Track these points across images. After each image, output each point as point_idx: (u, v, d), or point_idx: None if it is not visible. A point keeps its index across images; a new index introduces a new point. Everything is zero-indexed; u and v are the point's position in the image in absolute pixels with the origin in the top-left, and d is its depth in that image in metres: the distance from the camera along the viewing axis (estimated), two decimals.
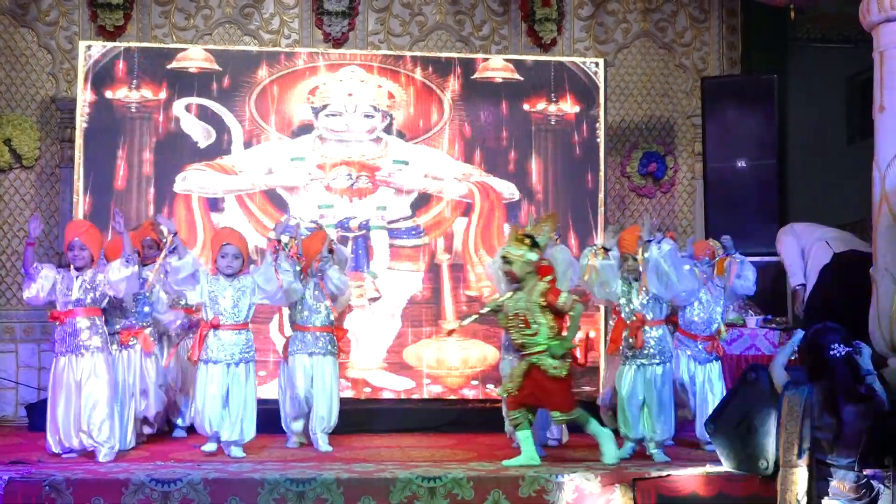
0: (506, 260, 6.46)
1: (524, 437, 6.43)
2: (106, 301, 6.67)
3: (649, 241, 6.67)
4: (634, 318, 6.76)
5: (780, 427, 5.51)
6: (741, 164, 8.92)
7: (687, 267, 6.82)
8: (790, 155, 9.37)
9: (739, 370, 7.07)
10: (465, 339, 8.62)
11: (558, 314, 6.41)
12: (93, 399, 6.51)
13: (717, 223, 8.82)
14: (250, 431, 6.74)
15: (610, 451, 6.38)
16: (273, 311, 7.94)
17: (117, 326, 6.92)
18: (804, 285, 7.90)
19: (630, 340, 6.77)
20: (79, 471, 5.86)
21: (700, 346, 7.18)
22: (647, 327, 6.75)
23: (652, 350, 6.74)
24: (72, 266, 6.64)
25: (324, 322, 7.06)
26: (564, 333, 6.44)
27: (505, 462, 6.34)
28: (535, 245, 6.42)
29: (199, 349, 6.71)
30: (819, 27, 9.84)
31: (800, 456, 5.35)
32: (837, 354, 5.37)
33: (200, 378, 6.73)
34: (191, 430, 7.28)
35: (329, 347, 7.06)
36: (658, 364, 6.75)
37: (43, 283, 6.57)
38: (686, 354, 7.20)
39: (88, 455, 6.56)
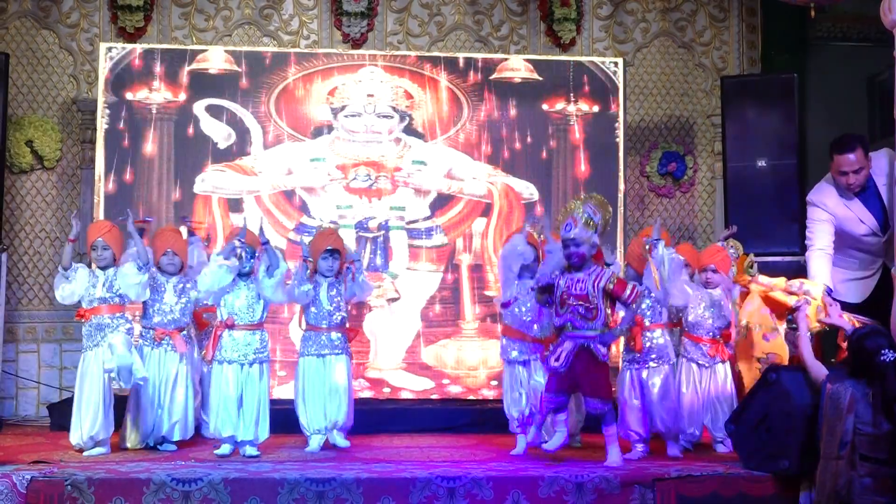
0: (576, 243, 6.41)
1: (562, 419, 6.46)
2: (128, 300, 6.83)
3: (657, 241, 6.67)
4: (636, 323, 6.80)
5: (821, 419, 5.53)
6: (761, 163, 8.87)
7: (684, 277, 6.84)
8: (810, 154, 9.32)
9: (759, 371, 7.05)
10: (484, 339, 8.63)
11: (614, 303, 6.43)
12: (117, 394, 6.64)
13: (737, 223, 8.72)
14: (265, 431, 6.80)
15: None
16: (293, 310, 7.96)
17: (154, 321, 7.00)
18: None
19: (630, 344, 6.84)
20: (100, 470, 5.91)
21: (705, 349, 7.15)
22: (646, 331, 6.79)
23: (653, 353, 6.81)
24: (95, 265, 6.80)
25: (336, 322, 7.07)
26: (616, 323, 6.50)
27: (547, 446, 6.44)
28: (596, 229, 6.43)
29: (213, 349, 6.76)
30: (839, 26, 9.80)
31: (842, 449, 5.36)
32: (888, 360, 5.39)
33: (214, 379, 6.79)
34: None
35: (341, 347, 7.06)
36: (656, 366, 6.80)
37: (76, 285, 6.80)
38: (689, 360, 7.15)
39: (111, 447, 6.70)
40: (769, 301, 7.09)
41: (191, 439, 7.13)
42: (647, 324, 6.84)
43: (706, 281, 7.10)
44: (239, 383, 6.73)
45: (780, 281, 7.01)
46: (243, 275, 6.83)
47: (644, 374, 6.84)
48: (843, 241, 7.29)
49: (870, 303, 7.28)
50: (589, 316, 6.37)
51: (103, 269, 6.82)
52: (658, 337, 6.86)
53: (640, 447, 6.82)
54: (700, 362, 7.13)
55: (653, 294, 6.72)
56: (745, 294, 7.25)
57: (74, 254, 7.04)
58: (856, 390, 5.43)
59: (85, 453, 6.66)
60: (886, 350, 5.42)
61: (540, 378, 6.82)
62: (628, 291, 6.35)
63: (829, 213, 7.29)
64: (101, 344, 6.72)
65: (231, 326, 6.75)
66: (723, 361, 7.16)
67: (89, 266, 6.99)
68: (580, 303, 6.38)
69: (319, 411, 6.98)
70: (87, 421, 6.68)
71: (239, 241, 6.84)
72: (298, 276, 6.96)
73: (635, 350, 6.80)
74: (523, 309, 6.95)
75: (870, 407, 5.41)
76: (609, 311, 6.41)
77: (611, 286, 6.34)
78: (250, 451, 6.70)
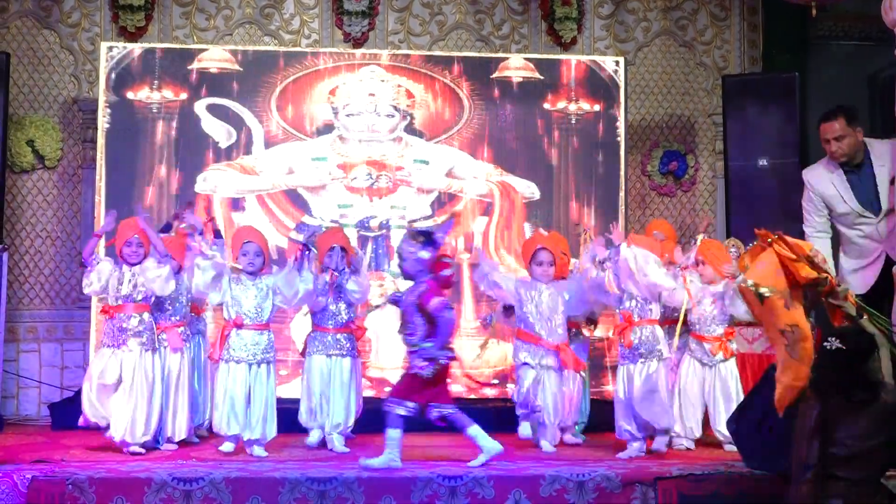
0: (400, 256, 6.46)
1: (394, 438, 6.32)
2: (153, 298, 6.85)
3: (618, 246, 6.78)
4: (625, 319, 6.87)
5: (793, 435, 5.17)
6: (762, 162, 8.90)
7: (657, 263, 6.81)
8: (812, 153, 9.30)
9: (762, 369, 7.04)
10: (485, 338, 8.62)
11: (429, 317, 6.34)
12: (134, 394, 6.64)
13: (738, 222, 8.79)
14: (272, 431, 6.79)
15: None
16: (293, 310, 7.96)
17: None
18: None
19: (620, 339, 6.89)
20: (101, 469, 5.90)
21: (707, 348, 7.18)
22: (636, 327, 6.80)
23: (642, 349, 6.80)
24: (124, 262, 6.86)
25: (342, 322, 7.07)
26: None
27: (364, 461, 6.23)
28: (428, 243, 6.39)
29: (220, 348, 6.76)
30: (840, 25, 9.78)
31: (805, 472, 4.96)
32: (829, 347, 5.02)
33: (222, 377, 6.78)
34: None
35: (348, 348, 7.06)
36: (644, 362, 6.79)
37: (100, 275, 6.80)
38: (694, 358, 7.19)
39: (117, 449, 6.69)
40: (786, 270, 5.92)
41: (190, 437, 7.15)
42: (636, 319, 6.85)
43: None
44: (247, 383, 6.73)
45: (807, 246, 5.88)
46: (251, 273, 6.84)
47: (632, 368, 6.84)
48: (840, 225, 7.37)
49: (873, 294, 7.27)
50: (406, 331, 6.41)
51: (132, 266, 6.83)
52: (647, 333, 6.84)
53: (635, 445, 6.81)
54: (703, 361, 7.15)
55: (630, 290, 6.80)
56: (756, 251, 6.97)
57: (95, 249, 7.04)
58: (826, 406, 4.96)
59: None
60: (832, 339, 5.05)
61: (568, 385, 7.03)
62: (431, 304, 6.26)
63: (813, 191, 7.41)
64: (121, 345, 6.74)
65: (239, 326, 6.75)
66: (725, 359, 7.17)
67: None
68: (403, 317, 6.45)
69: (321, 409, 6.99)
70: (92, 405, 6.72)
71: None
72: (320, 283, 6.97)
73: (624, 346, 6.85)
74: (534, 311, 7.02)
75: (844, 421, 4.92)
76: (425, 326, 6.28)
77: (416, 300, 6.32)
78: (258, 451, 6.69)
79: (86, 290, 6.95)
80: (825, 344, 5.05)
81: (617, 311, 7.04)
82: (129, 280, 6.80)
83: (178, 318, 7.04)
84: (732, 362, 7.24)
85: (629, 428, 6.83)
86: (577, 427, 7.53)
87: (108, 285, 6.82)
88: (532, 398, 7.02)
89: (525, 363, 7.07)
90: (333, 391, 6.97)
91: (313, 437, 7.06)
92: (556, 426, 7.11)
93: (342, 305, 7.05)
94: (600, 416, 7.61)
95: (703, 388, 7.18)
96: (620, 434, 6.89)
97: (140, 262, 6.82)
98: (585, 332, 7.76)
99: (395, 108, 8.80)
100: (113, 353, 6.75)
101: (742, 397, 7.10)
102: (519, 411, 7.13)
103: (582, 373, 7.38)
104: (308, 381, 7.06)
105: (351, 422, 7.05)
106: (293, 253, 7.03)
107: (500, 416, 7.83)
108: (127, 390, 6.68)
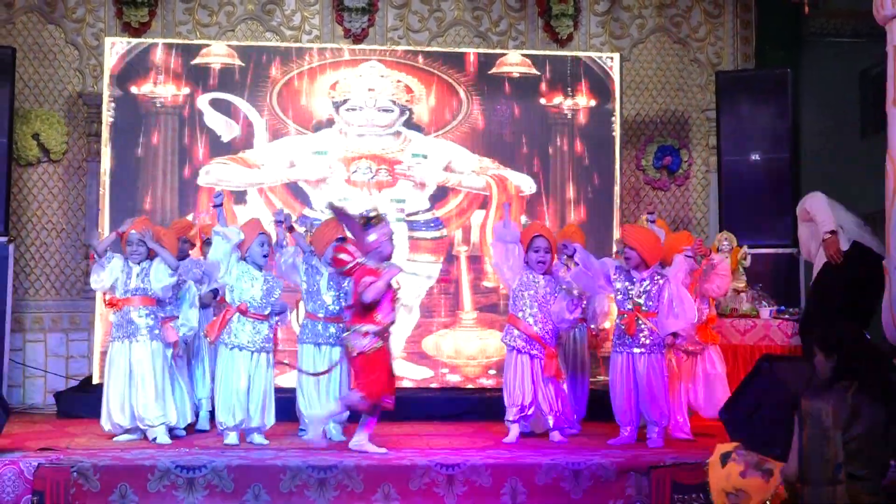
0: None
1: None
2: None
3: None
4: (633, 309, 6.89)
5: (799, 441, 4.78)
6: (755, 157, 8.99)
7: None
8: (804, 148, 9.42)
9: (753, 360, 7.12)
10: (482, 329, 8.74)
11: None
12: (145, 383, 6.74)
13: (731, 216, 8.88)
14: (271, 419, 6.87)
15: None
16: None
17: None
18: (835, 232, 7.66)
19: (623, 328, 6.91)
20: (106, 457, 5.97)
21: (693, 336, 7.19)
22: (641, 318, 6.87)
23: (645, 340, 6.87)
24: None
25: (334, 312, 7.11)
26: None
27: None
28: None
29: (219, 329, 6.82)
30: (832, 22, 9.84)
31: (837, 471, 4.63)
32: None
33: (224, 365, 6.81)
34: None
35: (337, 338, 7.05)
36: (649, 353, 6.86)
37: (110, 273, 6.87)
38: (676, 348, 7.18)
39: (143, 437, 6.79)
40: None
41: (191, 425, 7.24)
42: (644, 310, 6.89)
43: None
44: (247, 371, 6.79)
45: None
46: (258, 265, 6.91)
47: (631, 358, 6.90)
48: None
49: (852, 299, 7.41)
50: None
51: (138, 263, 6.89)
52: (652, 325, 6.88)
53: (626, 432, 6.91)
54: (689, 349, 7.23)
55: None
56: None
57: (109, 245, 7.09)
58: (843, 401, 4.69)
59: (115, 439, 6.78)
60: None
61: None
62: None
63: None
64: (130, 336, 6.82)
65: (244, 312, 6.82)
66: (713, 344, 7.27)
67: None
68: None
69: (315, 400, 7.04)
70: (115, 408, 6.79)
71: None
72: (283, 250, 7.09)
73: (628, 334, 6.89)
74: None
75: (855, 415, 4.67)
76: None
77: None
78: (258, 439, 6.78)
79: (94, 286, 7.02)
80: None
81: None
82: (138, 275, 6.86)
83: (174, 311, 7.13)
84: (716, 349, 7.33)
85: (621, 415, 6.95)
86: None
87: (115, 280, 6.92)
88: (520, 388, 6.98)
89: (514, 347, 7.04)
90: (325, 380, 7.02)
91: (311, 433, 7.06)
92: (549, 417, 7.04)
93: (332, 295, 7.11)
94: (596, 407, 7.70)
95: (689, 376, 7.24)
96: (618, 418, 6.97)
97: (142, 259, 6.86)
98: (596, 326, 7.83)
99: (395, 103, 8.88)
100: (122, 346, 6.83)
101: (726, 382, 7.22)
102: (512, 415, 7.01)
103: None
104: (300, 368, 7.12)
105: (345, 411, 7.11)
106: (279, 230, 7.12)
107: (498, 405, 7.92)
108: (137, 379, 6.78)
